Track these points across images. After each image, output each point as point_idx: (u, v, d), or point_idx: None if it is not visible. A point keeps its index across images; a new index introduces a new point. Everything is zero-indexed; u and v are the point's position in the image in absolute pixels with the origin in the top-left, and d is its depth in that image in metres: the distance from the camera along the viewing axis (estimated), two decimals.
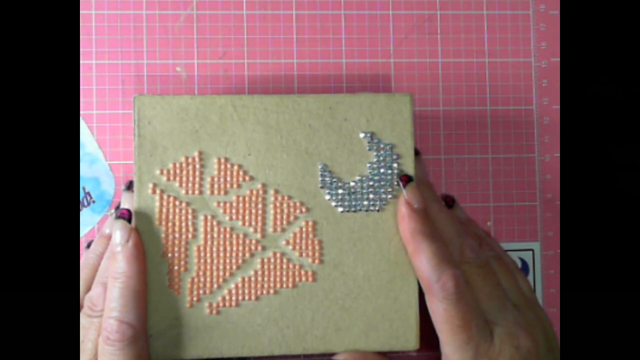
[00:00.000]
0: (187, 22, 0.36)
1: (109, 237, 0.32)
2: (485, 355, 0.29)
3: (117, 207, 0.33)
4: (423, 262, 0.30)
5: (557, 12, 0.38)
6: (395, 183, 0.32)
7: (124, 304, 0.28)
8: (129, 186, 0.32)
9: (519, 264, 0.38)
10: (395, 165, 0.32)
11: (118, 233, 0.29)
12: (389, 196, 0.32)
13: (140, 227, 0.30)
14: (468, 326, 0.29)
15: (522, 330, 0.30)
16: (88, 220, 0.35)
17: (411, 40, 0.37)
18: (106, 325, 0.28)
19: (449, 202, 0.34)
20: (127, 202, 0.32)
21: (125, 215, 0.30)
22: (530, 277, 0.37)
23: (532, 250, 0.37)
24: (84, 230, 0.35)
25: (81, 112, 0.35)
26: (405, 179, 0.31)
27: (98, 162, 0.36)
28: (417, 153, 0.33)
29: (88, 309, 0.30)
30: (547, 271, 0.37)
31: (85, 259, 0.32)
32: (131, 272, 0.29)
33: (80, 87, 0.35)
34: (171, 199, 0.31)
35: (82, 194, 0.35)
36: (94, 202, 0.35)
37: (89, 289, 0.31)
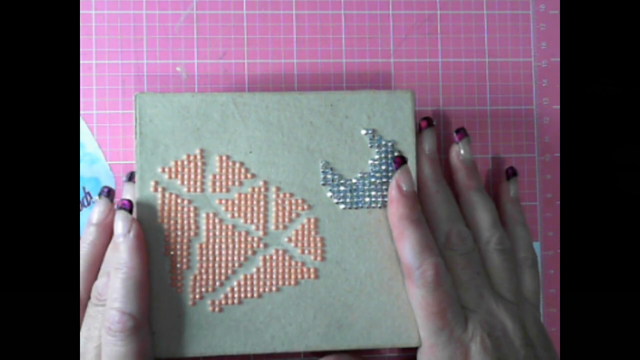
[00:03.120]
0: (187, 22, 0.36)
1: (98, 225, 0.32)
2: (458, 340, 0.30)
3: (101, 192, 0.32)
4: (406, 248, 0.30)
5: (557, 12, 0.38)
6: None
7: (125, 295, 0.28)
8: (130, 177, 0.32)
9: None
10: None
11: (120, 224, 0.30)
12: None
13: (142, 225, 0.30)
14: (443, 313, 0.30)
15: (497, 319, 0.30)
16: None
17: (411, 40, 0.37)
18: (108, 315, 0.28)
19: (463, 134, 0.34)
20: (129, 193, 0.32)
21: (127, 206, 0.30)
22: None
23: None
24: (84, 230, 0.35)
25: (81, 112, 0.35)
26: (399, 161, 0.32)
27: (98, 162, 0.36)
28: (430, 124, 0.33)
29: (95, 299, 0.30)
30: (547, 271, 0.37)
31: (81, 250, 0.32)
32: (133, 263, 0.29)
33: (80, 87, 0.35)
34: (173, 196, 0.31)
35: (82, 194, 0.35)
36: (94, 202, 0.35)
37: (85, 279, 0.31)
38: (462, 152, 0.34)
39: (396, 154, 0.32)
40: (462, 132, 0.34)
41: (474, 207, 0.33)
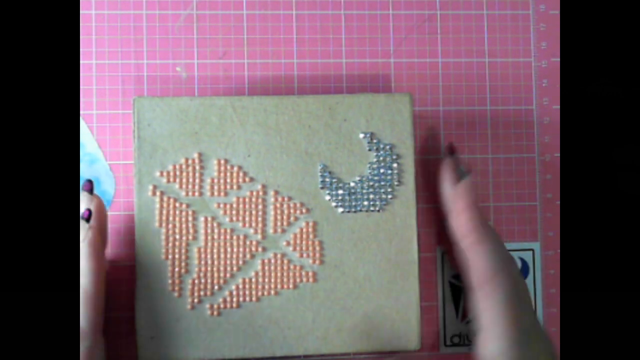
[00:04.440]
0: (187, 22, 0.36)
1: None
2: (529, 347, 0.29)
3: (87, 181, 0.32)
4: (485, 255, 0.30)
5: (557, 12, 0.38)
6: (396, 183, 0.32)
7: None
8: (86, 186, 0.32)
9: (519, 264, 0.38)
10: (395, 165, 0.32)
11: (81, 232, 0.30)
12: (389, 196, 0.32)
13: (140, 229, 0.31)
14: (519, 319, 0.29)
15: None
16: None
17: (411, 40, 0.37)
18: None
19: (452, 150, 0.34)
20: (84, 202, 0.31)
21: (85, 215, 0.30)
22: (530, 277, 0.37)
23: (532, 250, 0.38)
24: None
25: (81, 112, 0.35)
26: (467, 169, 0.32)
27: (98, 162, 0.36)
28: (467, 172, 0.33)
29: None
30: (547, 271, 0.37)
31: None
32: (82, 270, 0.29)
33: (80, 87, 0.35)
34: (171, 200, 0.31)
35: None
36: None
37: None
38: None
39: (397, 170, 0.32)
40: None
41: None
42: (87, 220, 0.30)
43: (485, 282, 0.30)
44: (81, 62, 0.35)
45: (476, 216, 0.31)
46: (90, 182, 0.32)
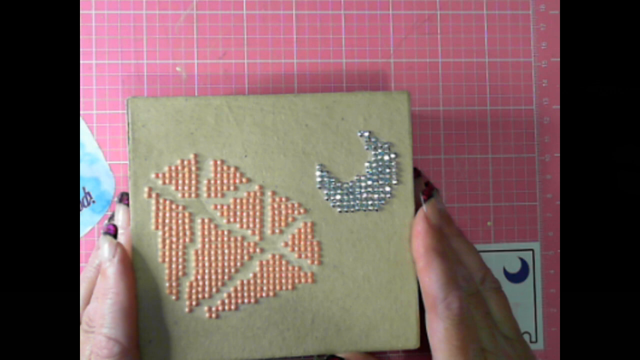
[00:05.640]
0: (187, 22, 0.36)
1: None
2: None
3: (111, 218, 0.33)
4: (432, 279, 0.30)
5: (557, 12, 0.38)
6: (395, 182, 0.32)
7: (111, 320, 0.28)
8: (121, 198, 0.32)
9: (519, 264, 0.38)
10: (393, 164, 0.32)
11: (105, 248, 0.30)
12: (388, 195, 0.32)
13: (136, 232, 0.30)
14: (466, 349, 0.29)
15: None
16: (88, 220, 0.35)
17: (411, 40, 0.37)
18: (95, 341, 0.28)
19: (430, 191, 0.34)
20: (120, 214, 0.32)
21: (111, 231, 0.30)
22: (530, 277, 0.37)
23: (532, 250, 0.37)
24: (84, 230, 0.35)
25: (81, 112, 0.35)
26: (427, 194, 0.31)
27: (98, 162, 0.36)
28: (432, 191, 0.32)
29: (85, 324, 0.30)
30: (547, 271, 0.37)
31: (84, 272, 0.32)
32: (118, 288, 0.29)
33: (80, 87, 0.35)
34: (167, 202, 0.31)
35: (82, 194, 0.35)
36: (94, 202, 0.35)
37: (87, 302, 0.31)
38: (437, 205, 0.33)
39: (395, 169, 0.32)
40: (429, 186, 0.33)
41: (459, 252, 0.32)
42: (114, 236, 0.30)
43: (432, 305, 0.30)
44: (81, 62, 0.35)
45: (427, 243, 0.31)
46: (127, 195, 0.31)
